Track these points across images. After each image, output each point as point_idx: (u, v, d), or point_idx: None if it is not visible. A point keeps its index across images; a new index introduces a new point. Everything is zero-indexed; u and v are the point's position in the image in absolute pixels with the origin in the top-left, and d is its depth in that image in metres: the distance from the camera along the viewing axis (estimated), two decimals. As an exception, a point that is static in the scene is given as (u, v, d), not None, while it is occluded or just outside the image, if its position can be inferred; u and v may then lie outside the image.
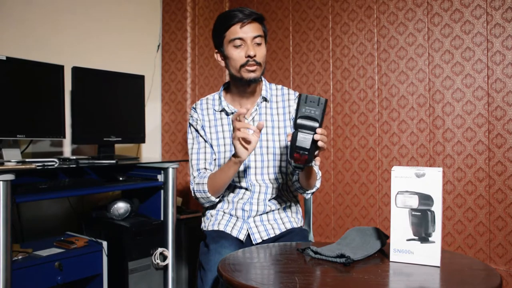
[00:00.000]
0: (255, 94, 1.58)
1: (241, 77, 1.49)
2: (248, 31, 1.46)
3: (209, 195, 1.51)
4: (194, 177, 1.56)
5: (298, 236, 1.49)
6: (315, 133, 1.20)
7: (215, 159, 1.58)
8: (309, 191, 1.54)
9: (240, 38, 1.46)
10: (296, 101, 1.25)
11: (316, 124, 1.20)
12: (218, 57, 1.57)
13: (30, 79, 1.92)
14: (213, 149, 1.58)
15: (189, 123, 1.63)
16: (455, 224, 2.22)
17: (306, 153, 1.20)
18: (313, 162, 1.31)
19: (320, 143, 1.20)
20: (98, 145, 2.24)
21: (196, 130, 1.60)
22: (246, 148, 1.36)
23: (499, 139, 2.11)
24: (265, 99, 1.58)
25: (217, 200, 1.55)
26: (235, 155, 1.38)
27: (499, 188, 2.11)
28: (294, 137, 1.20)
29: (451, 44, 2.23)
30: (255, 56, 1.46)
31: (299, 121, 1.20)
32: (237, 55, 1.48)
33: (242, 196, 1.56)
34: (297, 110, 1.21)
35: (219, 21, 1.52)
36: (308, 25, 2.71)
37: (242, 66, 1.47)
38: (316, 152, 1.24)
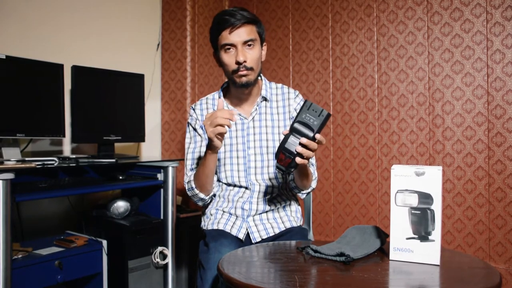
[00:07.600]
0: (254, 94, 1.58)
1: (234, 81, 1.50)
2: (237, 36, 1.45)
3: (197, 191, 1.52)
4: (188, 176, 1.57)
5: (297, 235, 1.49)
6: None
7: None
8: (304, 191, 1.54)
9: (230, 44, 1.46)
10: (300, 104, 1.26)
11: (311, 134, 1.23)
12: (216, 59, 1.58)
13: (29, 78, 1.92)
14: None
15: (188, 122, 1.63)
16: (455, 223, 2.22)
17: (291, 157, 1.23)
18: (308, 164, 1.32)
19: (299, 148, 1.22)
20: (98, 144, 2.24)
21: (194, 129, 1.60)
22: (220, 140, 1.37)
23: (498, 137, 2.11)
24: (265, 99, 1.58)
25: (208, 198, 1.55)
26: (211, 148, 1.39)
27: (498, 186, 2.11)
28: (285, 138, 1.24)
29: (451, 42, 2.23)
30: (245, 61, 1.46)
31: (296, 125, 1.23)
32: (228, 60, 1.48)
33: (242, 195, 1.56)
34: (297, 114, 1.24)
35: (212, 25, 1.51)
36: (308, 24, 2.71)
37: (234, 72, 1.48)
38: (299, 160, 1.24)
